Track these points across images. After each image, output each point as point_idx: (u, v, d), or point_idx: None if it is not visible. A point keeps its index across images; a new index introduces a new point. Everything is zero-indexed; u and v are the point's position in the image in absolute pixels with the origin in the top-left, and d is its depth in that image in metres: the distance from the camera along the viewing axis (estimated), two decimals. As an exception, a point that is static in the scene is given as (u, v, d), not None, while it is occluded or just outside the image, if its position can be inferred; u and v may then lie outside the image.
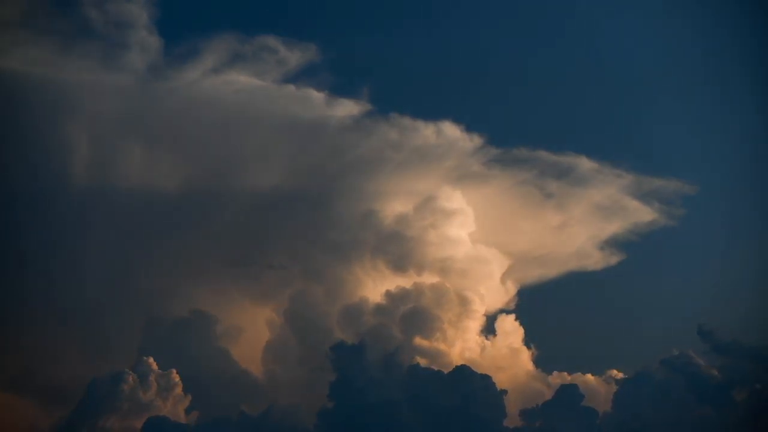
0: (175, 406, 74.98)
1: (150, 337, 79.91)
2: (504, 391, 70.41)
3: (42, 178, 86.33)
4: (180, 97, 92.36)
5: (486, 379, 70.12)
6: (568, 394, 70.56)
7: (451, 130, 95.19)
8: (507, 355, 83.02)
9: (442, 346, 79.63)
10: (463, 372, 70.31)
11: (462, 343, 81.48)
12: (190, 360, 77.32)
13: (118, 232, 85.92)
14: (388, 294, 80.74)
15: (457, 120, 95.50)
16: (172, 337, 79.40)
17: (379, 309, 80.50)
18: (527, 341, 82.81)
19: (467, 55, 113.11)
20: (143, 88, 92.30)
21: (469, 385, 68.80)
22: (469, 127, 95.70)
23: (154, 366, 74.84)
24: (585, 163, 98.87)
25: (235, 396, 77.18)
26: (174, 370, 74.83)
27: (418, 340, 79.29)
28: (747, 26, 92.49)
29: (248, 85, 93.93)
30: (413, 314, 79.78)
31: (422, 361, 75.65)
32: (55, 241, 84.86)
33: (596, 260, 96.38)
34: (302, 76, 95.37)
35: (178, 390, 74.94)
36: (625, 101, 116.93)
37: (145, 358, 75.57)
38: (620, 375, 76.95)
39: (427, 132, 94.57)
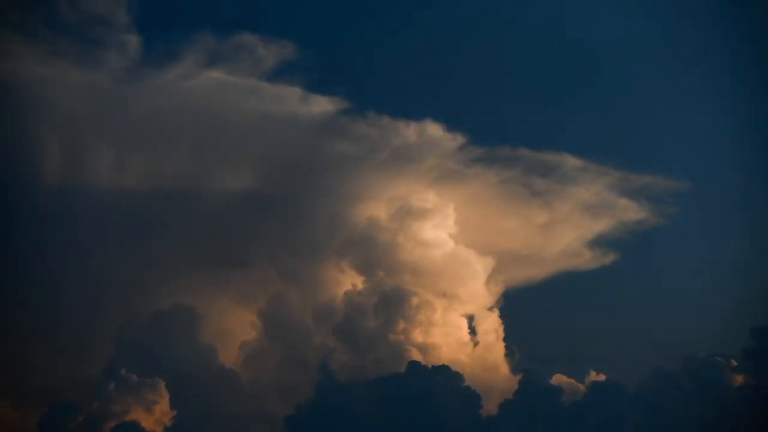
0: (155, 409, 74.14)
1: (128, 336, 79.38)
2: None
3: (12, 177, 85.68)
4: (157, 95, 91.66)
5: (445, 370, 69.82)
6: (531, 381, 70.14)
7: (432, 129, 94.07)
8: (490, 358, 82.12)
9: (423, 348, 78.94)
10: (416, 368, 69.97)
11: (444, 345, 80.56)
12: (170, 359, 77.10)
13: (91, 232, 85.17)
14: (359, 291, 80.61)
15: (438, 119, 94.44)
16: (151, 335, 78.88)
17: (353, 307, 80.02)
18: (513, 344, 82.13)
19: (449, 53, 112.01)
20: (120, 87, 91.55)
21: (427, 380, 68.40)
22: (451, 126, 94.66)
23: (134, 376, 74.27)
24: (570, 161, 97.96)
25: (215, 397, 77.02)
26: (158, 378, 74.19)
27: (397, 342, 78.76)
28: (736, 20, 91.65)
29: (226, 83, 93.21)
30: (388, 312, 79.40)
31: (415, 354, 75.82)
32: (26, 241, 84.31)
33: (586, 260, 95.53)
34: (280, 74, 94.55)
35: (157, 392, 74.12)
36: (610, 98, 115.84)
37: (123, 359, 75.39)
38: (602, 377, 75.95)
39: (408, 131, 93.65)
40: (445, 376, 68.64)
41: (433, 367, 70.56)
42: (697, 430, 65.69)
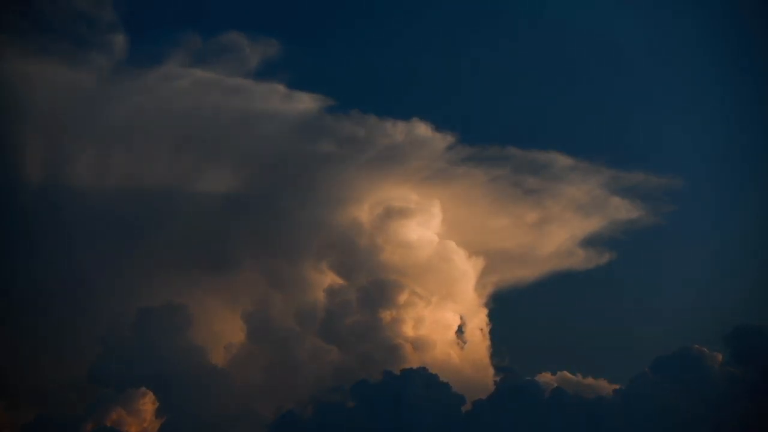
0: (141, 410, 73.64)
1: (113, 335, 78.50)
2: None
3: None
4: (142, 95, 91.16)
5: (419, 372, 69.05)
6: (509, 382, 69.46)
7: (420, 128, 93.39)
8: (479, 360, 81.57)
9: (408, 350, 78.32)
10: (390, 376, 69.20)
11: (431, 347, 79.82)
12: (155, 359, 76.39)
13: (73, 232, 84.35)
14: (342, 291, 79.91)
15: (426, 118, 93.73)
16: (136, 334, 78.16)
17: (337, 308, 79.49)
18: (500, 345, 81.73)
19: (437, 52, 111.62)
20: (104, 86, 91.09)
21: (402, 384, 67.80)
22: (440, 126, 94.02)
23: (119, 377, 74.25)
24: (560, 160, 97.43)
25: (202, 398, 75.98)
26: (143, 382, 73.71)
27: (382, 343, 78.13)
28: (728, 18, 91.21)
29: (211, 82, 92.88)
30: (373, 312, 78.89)
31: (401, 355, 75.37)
32: (8, 241, 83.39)
33: (579, 259, 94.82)
34: (265, 72, 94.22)
35: (144, 395, 73.64)
36: (600, 96, 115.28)
37: (109, 359, 75.59)
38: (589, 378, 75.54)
39: (395, 131, 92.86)
40: (421, 378, 68.06)
41: (403, 371, 69.95)
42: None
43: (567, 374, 75.51)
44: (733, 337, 67.39)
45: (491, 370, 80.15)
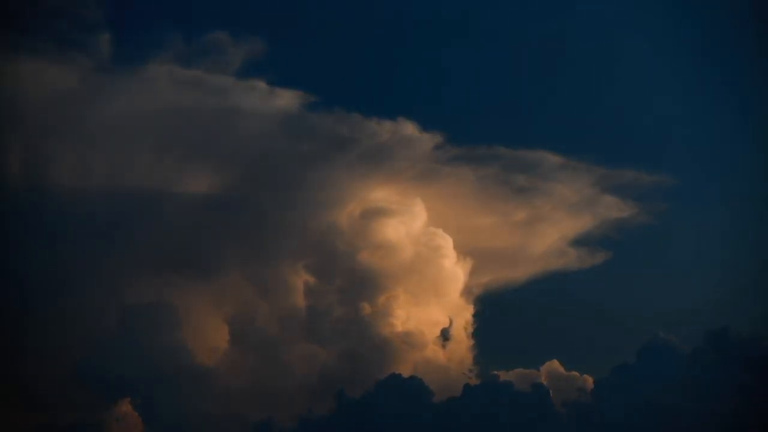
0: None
1: (94, 338, 78.69)
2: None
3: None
4: (127, 94, 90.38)
5: (396, 378, 69.24)
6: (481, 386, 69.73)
7: (407, 128, 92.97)
8: (465, 363, 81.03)
9: (393, 353, 78.13)
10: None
11: (416, 349, 79.59)
12: (138, 358, 75.89)
13: (54, 234, 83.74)
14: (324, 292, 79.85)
15: (413, 118, 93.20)
16: (119, 333, 78.06)
17: (320, 308, 79.76)
18: (486, 347, 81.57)
19: (423, 50, 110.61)
20: (88, 86, 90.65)
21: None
22: (427, 126, 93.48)
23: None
24: (550, 158, 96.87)
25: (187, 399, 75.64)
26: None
27: (364, 347, 78.09)
28: (718, 12, 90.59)
29: (195, 81, 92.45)
30: (358, 313, 79.08)
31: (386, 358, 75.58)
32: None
33: (570, 259, 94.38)
34: (249, 72, 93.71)
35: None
36: (589, 94, 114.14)
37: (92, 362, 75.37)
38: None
39: (381, 130, 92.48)
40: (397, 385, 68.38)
41: (378, 382, 70.13)
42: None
43: (558, 367, 75.24)
44: (721, 334, 67.57)
45: (477, 371, 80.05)
